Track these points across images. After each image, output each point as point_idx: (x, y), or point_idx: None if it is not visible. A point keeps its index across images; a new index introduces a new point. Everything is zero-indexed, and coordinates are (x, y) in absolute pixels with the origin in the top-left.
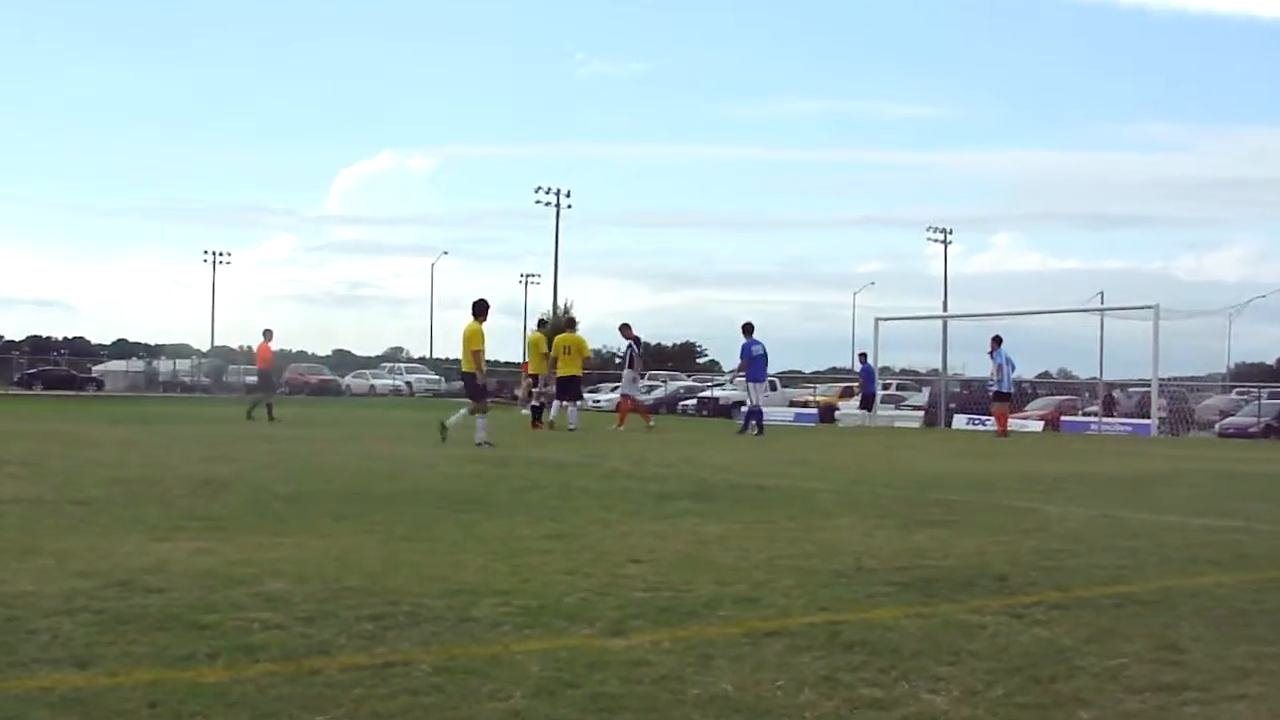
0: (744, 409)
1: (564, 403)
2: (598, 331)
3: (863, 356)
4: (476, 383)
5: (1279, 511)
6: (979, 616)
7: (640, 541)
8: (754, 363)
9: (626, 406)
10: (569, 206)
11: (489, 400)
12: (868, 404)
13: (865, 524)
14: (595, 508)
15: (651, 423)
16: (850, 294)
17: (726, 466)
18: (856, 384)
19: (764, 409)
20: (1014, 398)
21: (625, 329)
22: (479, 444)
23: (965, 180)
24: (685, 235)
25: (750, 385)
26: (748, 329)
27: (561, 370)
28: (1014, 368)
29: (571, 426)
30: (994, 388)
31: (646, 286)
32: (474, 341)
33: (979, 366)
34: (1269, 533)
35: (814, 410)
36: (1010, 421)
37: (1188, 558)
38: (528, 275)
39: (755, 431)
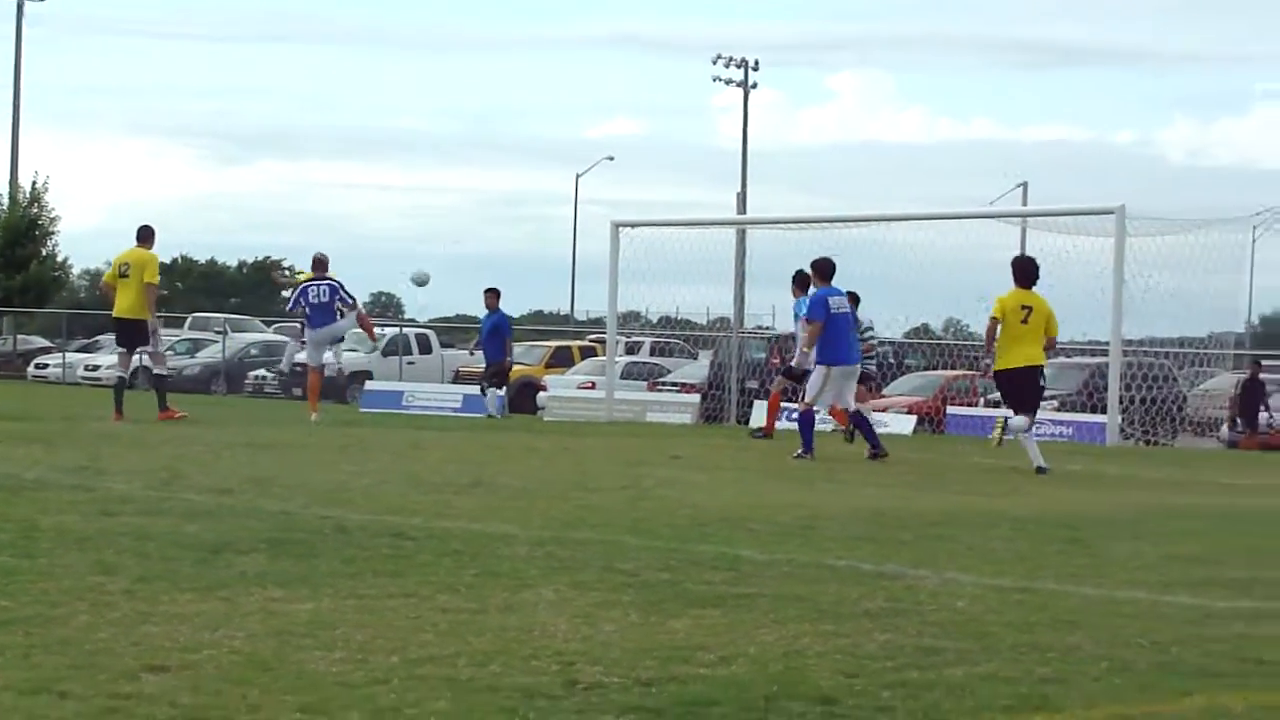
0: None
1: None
2: (94, 241)
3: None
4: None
5: None
6: None
7: (167, 631)
8: (313, 308)
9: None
10: None
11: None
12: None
13: (585, 600)
14: (84, 567)
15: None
16: (571, 175)
17: (337, 494)
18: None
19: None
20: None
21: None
22: None
23: None
24: (269, 60)
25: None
26: (318, 265)
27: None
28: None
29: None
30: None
31: (196, 155)
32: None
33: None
34: None
35: (498, 390)
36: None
37: (1159, 663)
38: None
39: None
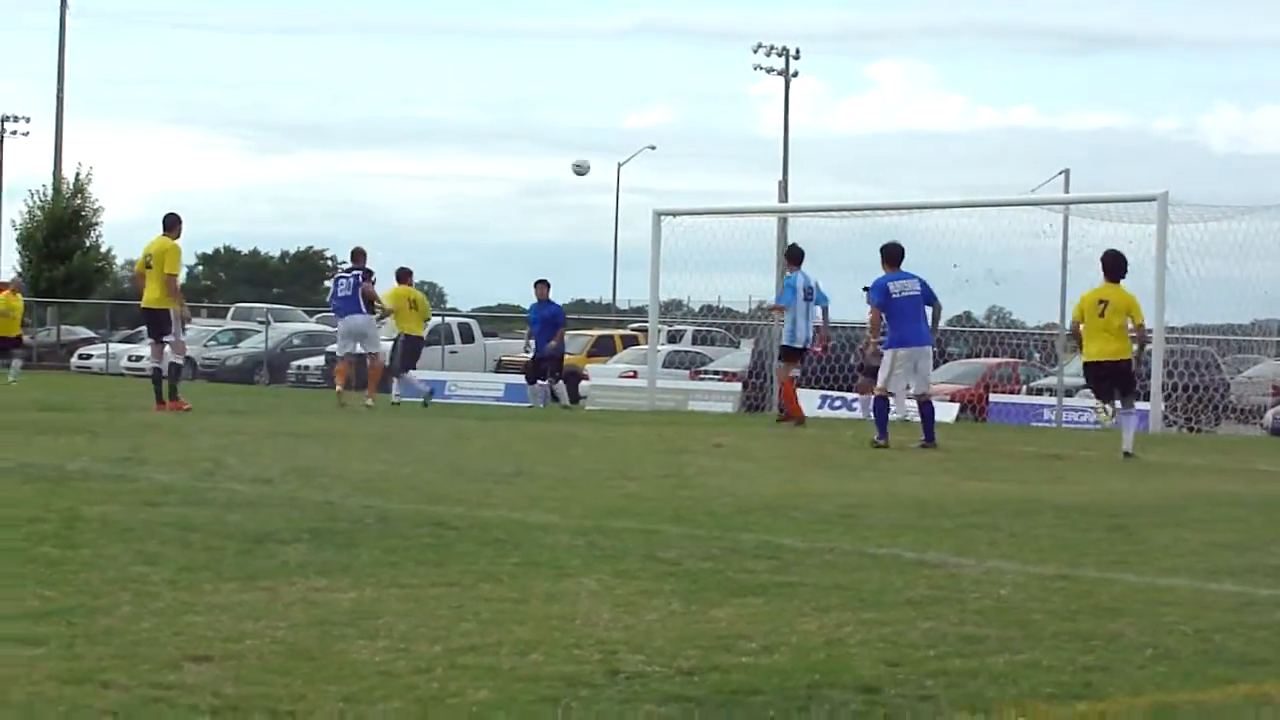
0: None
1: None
2: (136, 231)
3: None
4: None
5: None
6: None
7: (209, 621)
8: (338, 300)
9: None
10: None
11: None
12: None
13: (628, 589)
14: (127, 558)
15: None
16: (611, 164)
17: (378, 483)
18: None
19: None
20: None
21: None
22: None
23: None
24: (308, 51)
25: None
26: (355, 256)
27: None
28: (823, 300)
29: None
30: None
31: (237, 146)
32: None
33: (848, 299)
34: None
35: (545, 381)
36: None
37: (1203, 651)
38: (4, 119)
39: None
